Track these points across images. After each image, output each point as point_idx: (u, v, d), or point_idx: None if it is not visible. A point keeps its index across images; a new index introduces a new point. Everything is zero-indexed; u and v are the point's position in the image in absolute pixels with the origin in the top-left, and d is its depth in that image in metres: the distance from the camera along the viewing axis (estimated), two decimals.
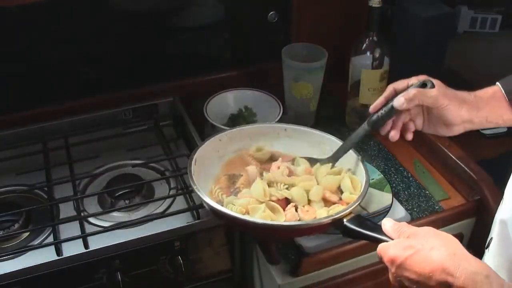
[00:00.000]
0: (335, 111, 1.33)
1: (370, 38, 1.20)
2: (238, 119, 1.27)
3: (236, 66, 1.41)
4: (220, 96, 1.29)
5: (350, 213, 0.84)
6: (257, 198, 0.89)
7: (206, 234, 1.04)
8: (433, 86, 0.86)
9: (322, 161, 0.98)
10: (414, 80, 0.88)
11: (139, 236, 0.97)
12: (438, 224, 1.08)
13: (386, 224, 0.76)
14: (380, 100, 0.89)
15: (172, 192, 1.12)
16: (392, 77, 1.24)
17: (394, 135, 0.89)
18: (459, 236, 1.14)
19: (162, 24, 1.31)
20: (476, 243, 1.14)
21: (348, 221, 0.83)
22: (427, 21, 1.24)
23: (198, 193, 0.89)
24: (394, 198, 1.06)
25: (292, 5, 1.38)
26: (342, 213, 0.84)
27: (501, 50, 1.57)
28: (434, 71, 1.32)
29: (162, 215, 1.05)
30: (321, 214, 0.88)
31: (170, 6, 1.29)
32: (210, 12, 1.35)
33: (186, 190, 1.10)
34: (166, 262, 1.03)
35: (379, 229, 0.77)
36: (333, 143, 1.00)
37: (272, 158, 1.03)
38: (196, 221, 1.02)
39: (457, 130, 0.87)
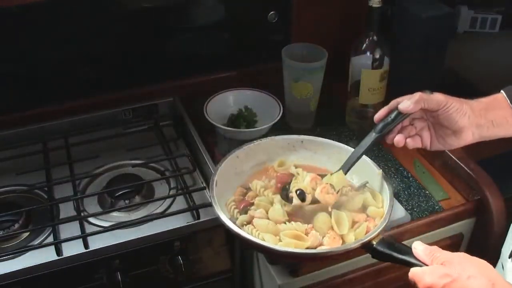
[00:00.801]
0: (335, 111, 1.33)
1: (370, 38, 1.19)
2: (238, 119, 1.27)
3: (236, 66, 1.41)
4: (220, 96, 1.30)
5: (378, 234, 0.81)
6: (277, 219, 0.87)
7: (206, 234, 1.04)
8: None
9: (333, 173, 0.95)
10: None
11: (139, 236, 0.97)
12: (438, 224, 1.08)
13: (418, 247, 0.74)
14: (384, 110, 0.88)
15: (172, 192, 1.12)
16: (392, 77, 1.24)
17: (400, 139, 0.88)
18: (459, 236, 1.14)
19: (162, 24, 1.31)
20: (476, 243, 1.14)
21: (377, 244, 0.80)
22: (427, 21, 1.24)
23: (221, 217, 0.86)
24: (394, 198, 1.06)
25: (292, 5, 1.38)
26: (370, 236, 0.81)
27: (501, 50, 1.57)
28: (434, 71, 1.33)
29: (162, 215, 1.05)
30: (347, 236, 0.85)
31: (170, 6, 1.29)
32: (210, 12, 1.35)
33: (186, 190, 1.10)
34: (166, 262, 1.03)
35: (410, 252, 0.75)
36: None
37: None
38: (196, 221, 1.02)
39: (466, 137, 0.85)
